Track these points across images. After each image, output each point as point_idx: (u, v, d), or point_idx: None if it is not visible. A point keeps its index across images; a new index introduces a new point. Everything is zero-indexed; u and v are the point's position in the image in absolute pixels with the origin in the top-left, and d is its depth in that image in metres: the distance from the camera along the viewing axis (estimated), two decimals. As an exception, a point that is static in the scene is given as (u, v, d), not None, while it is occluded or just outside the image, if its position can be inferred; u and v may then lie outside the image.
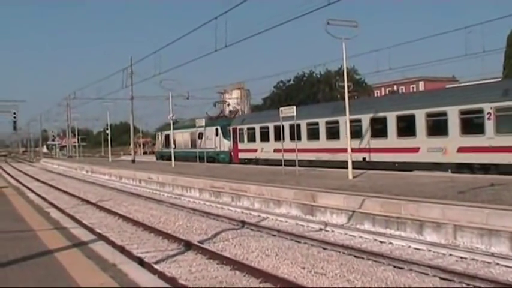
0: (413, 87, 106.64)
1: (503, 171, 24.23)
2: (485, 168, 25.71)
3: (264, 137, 44.32)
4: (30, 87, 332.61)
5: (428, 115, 28.85)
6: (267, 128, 43.72)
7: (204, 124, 43.27)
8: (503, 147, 24.61)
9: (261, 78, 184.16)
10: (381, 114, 32.35)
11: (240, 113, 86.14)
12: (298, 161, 30.55)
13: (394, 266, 12.14)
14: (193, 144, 56.27)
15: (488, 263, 12.24)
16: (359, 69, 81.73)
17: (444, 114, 28.11)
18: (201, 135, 52.97)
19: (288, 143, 35.56)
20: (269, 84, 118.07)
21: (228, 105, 60.51)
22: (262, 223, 19.02)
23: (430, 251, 13.67)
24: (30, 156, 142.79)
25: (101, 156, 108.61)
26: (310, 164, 35.31)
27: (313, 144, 37.23)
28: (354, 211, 17.77)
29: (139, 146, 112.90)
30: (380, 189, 19.81)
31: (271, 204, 22.18)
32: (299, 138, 34.86)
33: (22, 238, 12.42)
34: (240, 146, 48.77)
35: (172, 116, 50.40)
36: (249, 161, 46.68)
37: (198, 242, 15.37)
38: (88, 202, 27.41)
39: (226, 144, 50.78)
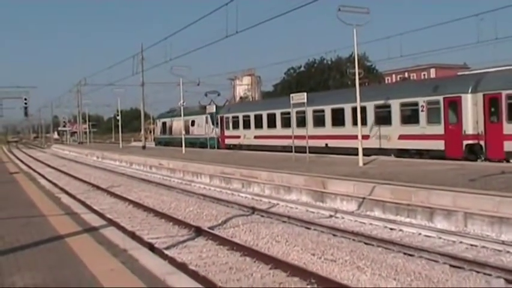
0: (424, 74, 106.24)
1: (433, 156, 28.19)
2: (420, 154, 29.72)
3: (246, 125, 48.96)
4: (41, 73, 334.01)
5: (377, 107, 32.71)
6: (249, 116, 48.52)
7: (214, 110, 43.39)
8: (432, 135, 29.00)
9: (272, 64, 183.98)
10: (340, 106, 36.67)
11: (251, 99, 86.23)
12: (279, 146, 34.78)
13: (404, 253, 12.13)
14: (187, 131, 59.22)
15: (499, 250, 12.21)
16: (370, 56, 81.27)
17: (389, 106, 32.28)
18: (193, 123, 60.23)
19: (266, 130, 44.18)
20: (280, 71, 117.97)
21: (219, 95, 61.94)
22: (272, 209, 19.04)
23: (440, 238, 13.65)
24: (41, 142, 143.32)
25: (111, 142, 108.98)
26: (284, 148, 39.08)
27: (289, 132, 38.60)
28: (364, 198, 17.75)
29: (150, 132, 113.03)
30: (390, 176, 19.77)
31: (282, 190, 22.19)
32: (272, 126, 41.56)
33: (33, 223, 12.50)
34: (226, 133, 53.22)
35: (183, 102, 50.40)
36: (234, 147, 50.71)
37: (209, 228, 15.41)
38: (99, 188, 27.51)
39: (214, 132, 53.30)
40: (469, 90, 28.09)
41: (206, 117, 54.42)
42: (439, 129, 29.13)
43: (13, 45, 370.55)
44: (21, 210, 14.74)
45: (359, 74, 26.95)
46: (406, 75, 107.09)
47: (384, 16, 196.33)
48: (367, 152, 28.64)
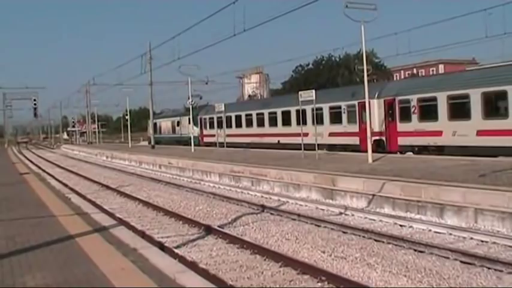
0: (433, 70, 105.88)
1: (352, 150, 33.60)
2: (344, 148, 34.78)
3: (220, 125, 51.97)
4: (50, 74, 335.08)
5: (312, 109, 35.18)
6: (221, 118, 51.23)
7: (223, 109, 43.69)
8: (351, 133, 34.94)
9: (280, 62, 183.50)
10: (287, 109, 43.59)
11: (259, 97, 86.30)
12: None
13: (415, 250, 12.10)
14: (174, 130, 69.84)
15: (510, 246, 12.16)
16: (378, 52, 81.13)
17: (321, 109, 38.18)
18: (178, 123, 68.42)
19: (234, 130, 50.87)
20: (288, 69, 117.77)
21: (201, 98, 69.66)
22: (282, 207, 19.02)
23: (450, 234, 13.60)
24: (51, 142, 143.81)
25: (120, 142, 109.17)
26: (248, 145, 46.14)
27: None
28: (374, 195, 17.72)
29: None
30: (400, 173, 19.73)
31: (291, 188, 22.18)
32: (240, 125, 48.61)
33: (44, 223, 12.55)
34: (204, 132, 60.77)
35: (192, 101, 50.47)
36: (211, 144, 55.45)
37: (218, 226, 15.42)
38: (108, 188, 27.57)
39: (196, 131, 59.16)
40: (376, 96, 34.15)
41: (189, 118, 58.35)
42: (355, 127, 35.54)
43: (22, 47, 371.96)
44: (31, 211, 14.80)
45: (367, 70, 26.88)
46: (415, 71, 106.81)
47: (391, 12, 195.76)
48: (308, 147, 32.85)
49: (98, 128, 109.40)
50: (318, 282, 9.92)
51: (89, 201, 20.26)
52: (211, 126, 56.96)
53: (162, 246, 12.38)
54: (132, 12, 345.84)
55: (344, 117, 33.98)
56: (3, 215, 14.18)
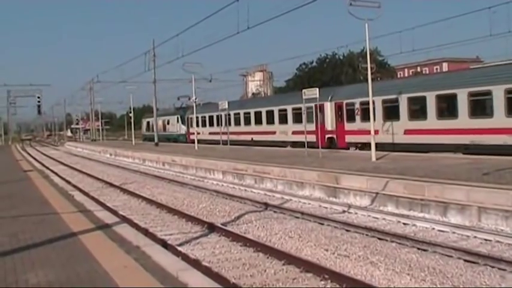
0: (436, 68, 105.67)
1: (311, 146, 34.84)
2: (303, 145, 35.27)
3: (203, 124, 62.16)
4: (54, 71, 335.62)
5: (280, 111, 45.47)
6: (205, 117, 61.96)
7: (226, 106, 43.82)
8: (310, 131, 36.58)
9: (284, 60, 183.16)
10: (259, 109, 49.97)
11: (263, 95, 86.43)
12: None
13: (418, 248, 12.08)
14: (164, 128, 74.72)
15: (514, 245, 12.14)
16: (382, 50, 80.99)
17: (285, 110, 44.95)
18: (168, 122, 74.11)
19: (216, 128, 55.66)
20: (292, 67, 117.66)
21: (189, 98, 69.82)
22: (285, 205, 19.02)
23: (454, 233, 13.58)
24: (55, 140, 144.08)
25: (124, 139, 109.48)
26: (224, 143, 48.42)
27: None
28: (377, 193, 17.71)
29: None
30: (403, 171, 19.70)
31: (294, 186, 22.17)
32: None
33: (47, 221, 12.56)
34: (191, 130, 65.08)
35: (195, 98, 50.52)
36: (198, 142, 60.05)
37: (221, 224, 15.42)
38: (112, 185, 27.58)
39: (183, 129, 67.70)
40: (329, 99, 39.75)
41: (177, 118, 66.61)
42: (313, 126, 39.01)
43: (27, 45, 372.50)
44: (34, 208, 14.82)
45: (371, 68, 26.85)
46: (419, 69, 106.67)
47: (395, 10, 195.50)
48: (276, 144, 40.36)
49: (102, 125, 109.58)
50: (321, 280, 9.90)
51: (92, 198, 20.28)
52: (196, 124, 59.88)
53: (165, 244, 12.37)
54: (136, 10, 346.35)
55: (304, 117, 35.95)
56: (6, 212, 14.21)
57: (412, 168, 20.87)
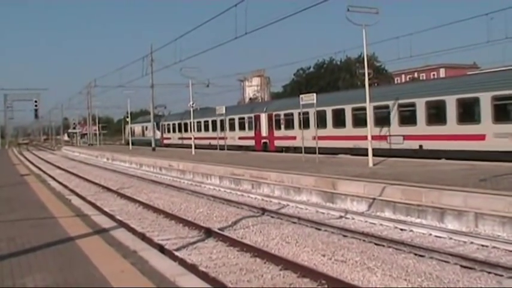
0: (433, 74, 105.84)
1: (251, 150, 46.15)
2: (247, 148, 46.62)
3: (173, 130, 73.67)
4: (52, 75, 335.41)
5: (229, 119, 52.49)
6: (175, 124, 73.38)
7: (224, 112, 44.25)
8: (250, 137, 48.85)
9: (282, 65, 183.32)
10: (214, 119, 57.48)
11: (260, 100, 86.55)
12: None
13: (415, 254, 12.09)
14: (143, 134, 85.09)
15: (510, 251, 12.16)
16: (379, 56, 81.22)
17: (233, 119, 53.56)
18: (146, 128, 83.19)
19: (184, 134, 67.32)
20: (289, 72, 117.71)
21: (165, 107, 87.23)
22: (282, 210, 19.03)
23: (451, 238, 13.60)
24: (52, 144, 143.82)
25: (121, 143, 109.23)
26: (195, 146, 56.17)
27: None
28: (374, 198, 17.72)
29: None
30: (401, 177, 19.72)
31: (292, 191, 22.18)
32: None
33: (44, 225, 12.55)
34: (164, 135, 77.50)
35: (193, 103, 50.56)
36: (168, 145, 72.28)
37: (219, 229, 15.42)
38: (109, 189, 27.57)
39: (158, 135, 76.07)
40: (264, 111, 49.58)
41: (153, 124, 71.71)
42: (252, 133, 49.89)
43: (24, 48, 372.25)
44: (32, 212, 14.80)
45: (368, 74, 26.90)
46: (416, 75, 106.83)
47: (393, 16, 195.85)
48: (226, 147, 46.41)
49: (99, 129, 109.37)
50: (317, 285, 9.91)
51: (89, 203, 20.25)
52: (168, 130, 75.97)
53: (162, 249, 12.37)
54: (134, 15, 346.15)
55: (246, 125, 46.84)
56: (4, 216, 14.19)
57: (409, 174, 20.90)
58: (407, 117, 32.58)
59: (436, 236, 13.97)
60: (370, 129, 26.62)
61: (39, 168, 43.06)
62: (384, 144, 32.65)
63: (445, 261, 11.34)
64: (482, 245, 12.76)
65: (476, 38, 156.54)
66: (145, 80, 65.54)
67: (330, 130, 38.48)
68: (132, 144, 78.70)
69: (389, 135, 33.39)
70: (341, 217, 17.37)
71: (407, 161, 28.12)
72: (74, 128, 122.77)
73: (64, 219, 13.34)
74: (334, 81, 79.69)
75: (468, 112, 28.83)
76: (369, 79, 26.76)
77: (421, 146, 31.47)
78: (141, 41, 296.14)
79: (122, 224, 14.99)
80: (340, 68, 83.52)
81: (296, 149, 40.11)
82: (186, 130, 65.96)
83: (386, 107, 33.70)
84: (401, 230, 14.97)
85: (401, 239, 13.67)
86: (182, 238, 14.68)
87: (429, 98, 30.37)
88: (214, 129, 58.21)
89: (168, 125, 76.99)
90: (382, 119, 33.63)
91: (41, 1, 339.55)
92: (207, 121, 60.87)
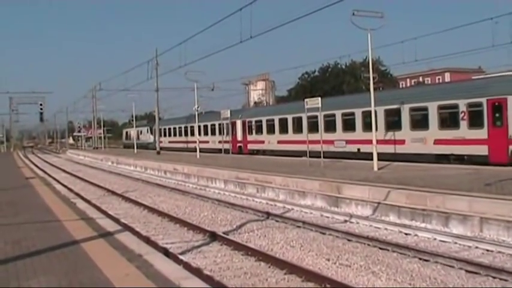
0: (439, 79, 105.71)
1: (227, 152, 47.96)
2: (226, 151, 49.11)
3: (165, 134, 78.00)
4: (57, 79, 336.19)
5: (203, 126, 61.50)
6: (166, 129, 78.66)
7: (229, 115, 44.39)
8: (227, 141, 52.09)
9: (286, 69, 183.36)
10: (192, 125, 65.24)
11: (265, 104, 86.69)
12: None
13: (420, 258, 12.08)
14: (138, 137, 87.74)
15: (515, 256, 12.13)
16: (384, 60, 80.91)
17: (207, 126, 61.86)
18: (141, 132, 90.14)
19: (173, 138, 76.24)
20: (294, 76, 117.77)
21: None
22: (287, 214, 19.02)
23: (456, 243, 13.58)
24: (57, 147, 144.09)
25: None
26: (182, 149, 68.86)
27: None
28: (379, 203, 17.70)
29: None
30: (405, 181, 19.71)
31: (296, 195, 22.17)
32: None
33: (49, 228, 12.57)
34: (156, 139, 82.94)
35: (197, 107, 50.64)
36: (161, 148, 72.66)
37: (223, 233, 15.42)
38: (114, 193, 27.60)
39: (151, 138, 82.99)
40: (239, 117, 54.96)
41: (147, 129, 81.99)
42: (229, 137, 53.65)
43: (29, 51, 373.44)
44: (37, 215, 14.83)
45: (373, 78, 26.90)
46: (421, 79, 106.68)
47: (398, 20, 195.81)
48: (207, 150, 54.88)
49: (104, 133, 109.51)
50: (322, 289, 9.91)
51: (94, 206, 20.28)
52: (161, 134, 76.93)
53: (166, 252, 12.38)
54: (139, 19, 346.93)
55: (224, 130, 51.52)
56: (9, 219, 14.22)
57: (413, 178, 20.89)
58: (349, 125, 38.03)
59: (440, 241, 13.95)
60: (375, 134, 26.60)
61: (44, 171, 43.11)
62: (331, 148, 37.13)
63: (450, 266, 11.32)
64: (487, 250, 12.74)
65: (481, 42, 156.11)
66: (150, 83, 65.81)
67: (290, 135, 45.13)
68: (128, 147, 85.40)
69: (335, 140, 38.53)
70: (346, 221, 17.36)
71: (412, 165, 28.09)
72: (79, 132, 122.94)
73: (69, 223, 13.36)
74: (339, 85, 79.53)
75: (393, 121, 33.91)
76: (373, 83, 26.75)
77: (359, 149, 36.02)
78: (146, 45, 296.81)
79: (126, 228, 15.00)
80: (345, 72, 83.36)
81: (265, 152, 47.58)
82: (173, 135, 76.75)
83: (333, 115, 39.53)
84: (406, 234, 14.96)
85: (406, 243, 13.65)
86: (187, 242, 14.68)
87: (364, 108, 32.84)
88: (198, 133, 61.98)
89: (160, 129, 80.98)
90: (330, 127, 39.30)
91: (46, 4, 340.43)
92: (193, 126, 65.30)
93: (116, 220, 16.95)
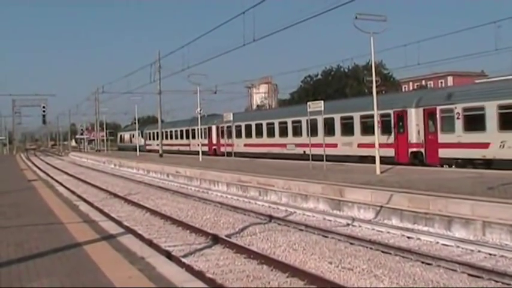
0: (441, 82, 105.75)
1: (206, 154, 54.75)
2: (207, 154, 58.10)
3: (152, 138, 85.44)
4: (60, 81, 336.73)
5: (192, 129, 66.44)
6: (153, 133, 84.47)
7: (231, 118, 44.55)
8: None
9: (289, 72, 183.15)
10: (185, 128, 72.78)
11: (268, 107, 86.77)
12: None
13: (422, 262, 12.06)
14: (131, 141, 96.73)
15: (518, 259, 12.12)
16: (387, 63, 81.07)
17: (194, 130, 64.74)
18: (133, 135, 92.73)
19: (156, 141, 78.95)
20: (297, 79, 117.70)
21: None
22: (289, 217, 19.01)
23: (458, 247, 13.56)
24: (59, 149, 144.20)
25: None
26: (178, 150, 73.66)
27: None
28: (381, 206, 17.69)
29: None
30: (408, 185, 19.70)
31: (299, 198, 22.16)
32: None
33: (52, 231, 12.58)
34: (147, 142, 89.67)
35: (200, 110, 50.67)
36: (150, 151, 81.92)
37: (226, 236, 15.41)
38: (116, 196, 27.61)
39: (142, 141, 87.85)
40: (214, 123, 60.76)
41: (138, 132, 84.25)
42: (206, 140, 60.42)
43: (32, 54, 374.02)
44: (39, 218, 14.84)
45: (376, 81, 26.88)
46: (424, 83, 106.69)
47: (401, 24, 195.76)
48: (191, 152, 63.36)
49: (106, 135, 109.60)
50: (324, 293, 9.90)
51: (97, 208, 20.30)
52: (150, 138, 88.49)
53: (169, 255, 12.39)
54: (142, 21, 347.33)
55: (205, 134, 57.46)
56: (12, 221, 14.24)
57: (416, 181, 20.87)
58: (298, 131, 44.40)
59: (443, 244, 13.93)
60: (377, 137, 26.63)
61: (47, 174, 43.17)
62: (284, 150, 45.96)
63: (453, 270, 11.30)
64: (490, 254, 12.72)
65: (484, 46, 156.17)
66: (153, 86, 65.81)
67: (253, 139, 52.19)
68: (123, 149, 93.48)
69: (287, 144, 45.86)
70: (348, 225, 17.34)
71: (415, 169, 28.10)
72: (82, 134, 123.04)
73: (72, 225, 13.37)
74: (341, 89, 79.61)
75: (329, 128, 38.49)
76: (376, 86, 26.75)
77: (304, 152, 39.54)
78: (148, 48, 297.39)
79: (129, 230, 15.03)
80: (348, 75, 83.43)
81: (235, 154, 49.14)
82: (156, 138, 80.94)
83: (285, 122, 46.79)
84: (409, 238, 14.94)
85: (408, 247, 13.65)
86: (189, 245, 14.69)
87: (309, 117, 35.16)
88: (181, 137, 73.69)
89: (149, 133, 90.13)
90: (283, 132, 47.08)
91: (49, 7, 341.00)
92: (177, 130, 76.35)
93: (119, 223, 16.95)
